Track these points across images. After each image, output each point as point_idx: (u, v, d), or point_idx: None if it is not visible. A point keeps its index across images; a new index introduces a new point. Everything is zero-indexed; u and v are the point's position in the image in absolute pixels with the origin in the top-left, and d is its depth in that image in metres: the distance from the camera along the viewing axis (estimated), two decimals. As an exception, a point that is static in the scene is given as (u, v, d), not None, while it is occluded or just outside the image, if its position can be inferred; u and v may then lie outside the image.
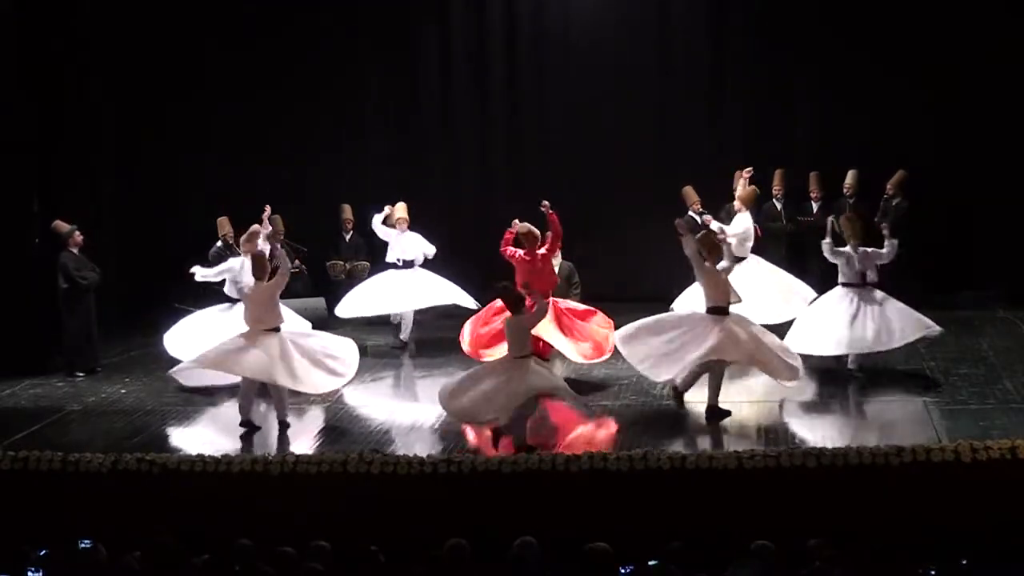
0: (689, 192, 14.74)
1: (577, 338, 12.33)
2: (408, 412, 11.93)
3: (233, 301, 12.72)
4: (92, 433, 11.31)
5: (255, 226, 12.90)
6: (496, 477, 9.42)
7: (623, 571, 7.62)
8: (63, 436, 11.15)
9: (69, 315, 13.41)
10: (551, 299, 12.18)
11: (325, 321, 14.80)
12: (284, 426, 11.23)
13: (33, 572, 8.06)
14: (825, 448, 9.46)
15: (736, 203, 13.92)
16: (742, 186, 14.05)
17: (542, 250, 12.57)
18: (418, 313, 14.55)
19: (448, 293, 14.10)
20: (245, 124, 16.48)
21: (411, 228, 14.39)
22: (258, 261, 11.52)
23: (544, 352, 12.36)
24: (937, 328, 11.97)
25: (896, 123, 15.51)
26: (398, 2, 16.81)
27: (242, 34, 16.54)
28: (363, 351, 14.11)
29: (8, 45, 13.95)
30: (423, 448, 10.40)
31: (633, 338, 11.35)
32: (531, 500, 9.28)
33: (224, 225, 13.82)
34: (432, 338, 14.26)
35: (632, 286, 15.59)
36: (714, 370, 11.02)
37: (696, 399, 11.50)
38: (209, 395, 12.26)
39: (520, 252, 12.52)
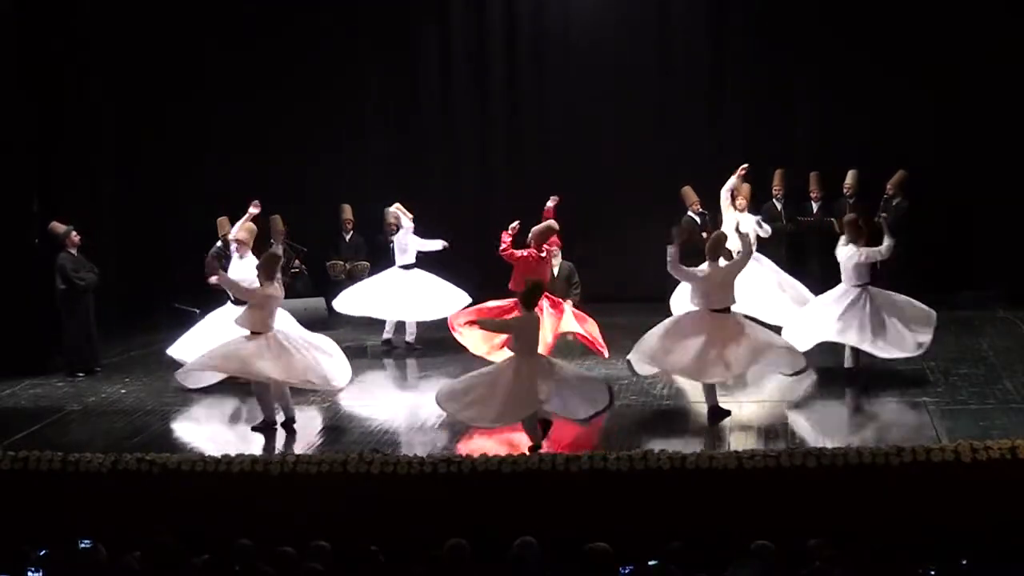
0: (688, 192, 14.76)
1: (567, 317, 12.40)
2: (408, 412, 11.93)
3: (236, 302, 12.72)
4: (92, 433, 11.30)
5: (248, 224, 12.87)
6: (496, 477, 9.41)
7: (623, 571, 7.62)
8: (63, 436, 11.14)
9: (67, 316, 13.41)
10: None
11: (325, 321, 14.82)
12: (291, 422, 11.21)
13: (33, 572, 8.06)
14: (825, 448, 9.45)
15: (741, 201, 13.88)
16: (737, 182, 14.02)
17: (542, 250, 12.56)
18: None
19: (444, 305, 13.98)
20: (245, 124, 16.49)
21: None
22: (269, 263, 11.43)
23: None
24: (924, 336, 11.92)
25: (896, 123, 15.52)
26: (398, 2, 16.82)
27: (242, 34, 16.55)
28: (363, 351, 14.22)
29: (8, 45, 13.95)
30: (423, 448, 10.40)
31: (649, 348, 11.24)
32: (531, 500, 9.28)
33: (224, 225, 13.80)
34: (432, 338, 14.25)
35: (632, 286, 15.60)
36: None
37: (697, 399, 11.51)
38: (209, 395, 12.24)
39: (526, 252, 12.45)
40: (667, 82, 16.54)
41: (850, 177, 15.19)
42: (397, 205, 14.37)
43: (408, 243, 14.23)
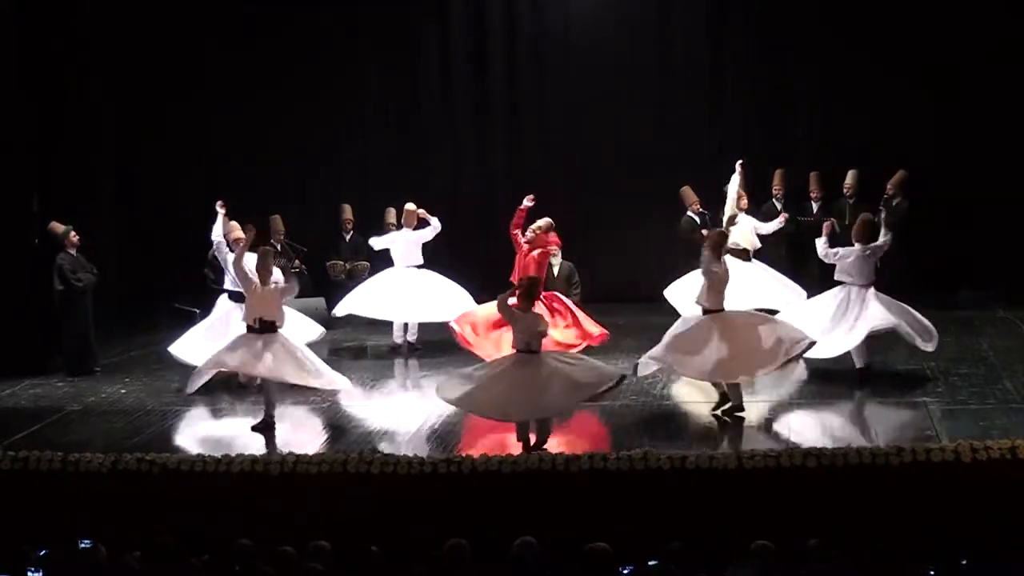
0: (688, 192, 14.76)
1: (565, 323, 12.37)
2: (408, 412, 11.92)
3: (236, 300, 12.73)
4: (92, 433, 11.29)
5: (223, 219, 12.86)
6: (496, 477, 9.41)
7: (623, 571, 7.62)
8: (63, 436, 11.13)
9: (65, 317, 13.42)
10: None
11: (325, 321, 14.80)
12: (271, 426, 11.23)
13: (33, 572, 8.06)
14: (825, 448, 9.45)
15: (743, 202, 13.87)
16: (740, 179, 14.01)
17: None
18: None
19: (447, 308, 13.98)
20: (245, 124, 16.50)
21: (417, 228, 14.31)
22: (261, 260, 11.46)
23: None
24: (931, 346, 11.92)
25: (896, 123, 15.53)
26: (398, 2, 16.82)
27: (242, 34, 16.56)
28: (363, 351, 14.21)
29: (8, 45, 13.95)
30: (423, 448, 10.40)
31: (671, 351, 11.25)
32: (531, 500, 9.28)
33: (224, 225, 13.78)
34: (432, 338, 14.25)
35: (632, 286, 15.60)
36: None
37: (697, 399, 11.52)
38: (209, 395, 12.25)
39: (525, 243, 12.45)
40: (667, 82, 16.55)
41: (850, 177, 15.20)
42: (390, 210, 14.36)
43: (410, 242, 14.22)
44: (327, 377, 11.38)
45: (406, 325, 14.31)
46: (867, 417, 11.35)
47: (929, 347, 11.87)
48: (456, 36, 16.90)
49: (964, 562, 7.63)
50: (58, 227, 13.43)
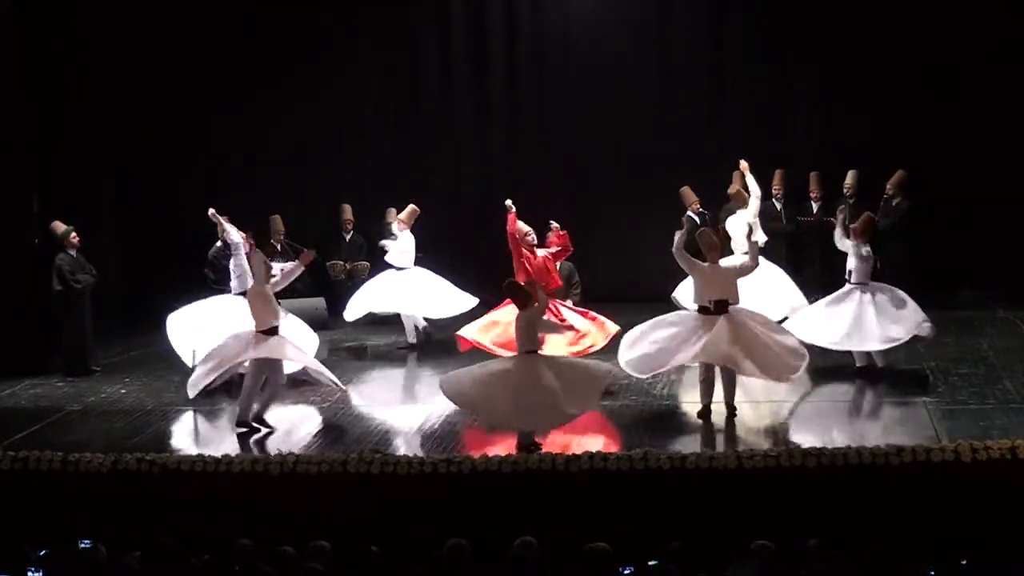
0: (687, 192, 14.76)
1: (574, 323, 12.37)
2: (408, 412, 11.93)
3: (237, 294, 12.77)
4: (92, 433, 11.30)
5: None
6: (496, 477, 9.41)
7: (623, 571, 7.62)
8: (63, 436, 11.14)
9: (64, 317, 13.43)
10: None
11: (325, 321, 14.82)
12: (260, 422, 11.22)
13: (33, 572, 8.06)
14: (825, 448, 9.45)
15: (759, 199, 13.85)
16: (740, 181, 14.00)
17: (542, 252, 12.53)
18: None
19: (449, 305, 14.02)
20: (245, 124, 16.49)
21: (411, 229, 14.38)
22: (256, 262, 11.51)
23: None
24: (927, 328, 11.95)
25: (896, 123, 15.51)
26: (398, 2, 16.81)
27: (242, 34, 16.55)
28: (363, 351, 14.21)
29: (8, 45, 13.95)
30: (423, 448, 10.40)
31: (635, 341, 11.33)
32: (531, 500, 9.28)
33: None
34: (436, 338, 14.25)
35: (632, 286, 15.59)
36: (726, 372, 11.02)
37: (697, 399, 11.51)
38: (209, 395, 12.24)
39: (524, 248, 12.45)
40: (667, 82, 16.54)
41: (850, 177, 15.18)
42: (391, 211, 14.38)
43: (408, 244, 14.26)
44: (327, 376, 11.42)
45: (417, 327, 14.31)
46: (867, 417, 11.37)
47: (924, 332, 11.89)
48: (456, 36, 16.90)
49: (964, 562, 7.63)
50: (60, 227, 13.43)
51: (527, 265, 12.27)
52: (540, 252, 12.47)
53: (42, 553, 8.33)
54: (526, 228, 12.49)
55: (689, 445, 10.13)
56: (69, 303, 13.38)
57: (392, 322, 14.63)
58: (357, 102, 16.92)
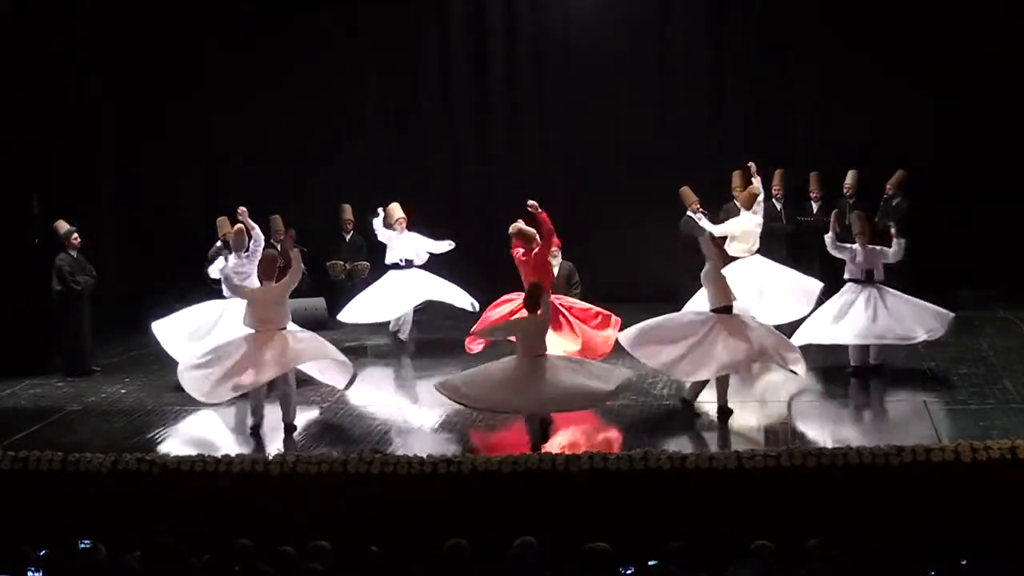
0: (687, 192, 14.72)
1: (568, 336, 12.34)
2: (408, 412, 11.93)
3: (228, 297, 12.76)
4: (92, 433, 11.31)
5: (239, 225, 12.85)
6: (496, 477, 9.41)
7: (623, 571, 7.62)
8: (63, 436, 11.14)
9: (63, 317, 13.43)
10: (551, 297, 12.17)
11: (325, 321, 14.82)
12: (291, 429, 11.20)
13: (33, 572, 8.06)
14: (825, 448, 9.46)
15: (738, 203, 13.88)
16: (741, 182, 13.99)
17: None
18: (418, 313, 14.54)
19: (446, 292, 14.08)
20: (245, 124, 16.49)
21: (411, 228, 14.39)
22: (267, 262, 11.49)
23: None
24: (941, 330, 11.98)
25: (896, 123, 15.51)
26: (398, 2, 16.82)
27: (242, 34, 16.55)
28: (363, 351, 14.20)
29: (8, 45, 13.96)
30: (423, 448, 10.40)
31: (644, 341, 11.31)
32: (531, 500, 9.28)
33: (224, 225, 13.77)
34: (432, 338, 14.26)
35: (632, 286, 15.59)
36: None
37: (697, 399, 11.51)
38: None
39: (519, 251, 12.50)
40: (667, 82, 16.54)
41: (850, 177, 15.18)
42: (394, 205, 14.38)
43: (407, 243, 14.24)
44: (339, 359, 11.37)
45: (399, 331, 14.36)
46: (867, 417, 11.37)
47: (936, 334, 11.91)
48: (456, 36, 16.90)
49: (964, 562, 7.63)
50: (63, 226, 13.43)
51: (538, 260, 12.33)
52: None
53: (42, 553, 8.33)
54: (532, 230, 12.54)
55: (689, 445, 10.13)
56: (69, 303, 13.38)
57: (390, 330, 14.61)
58: (357, 102, 16.92)
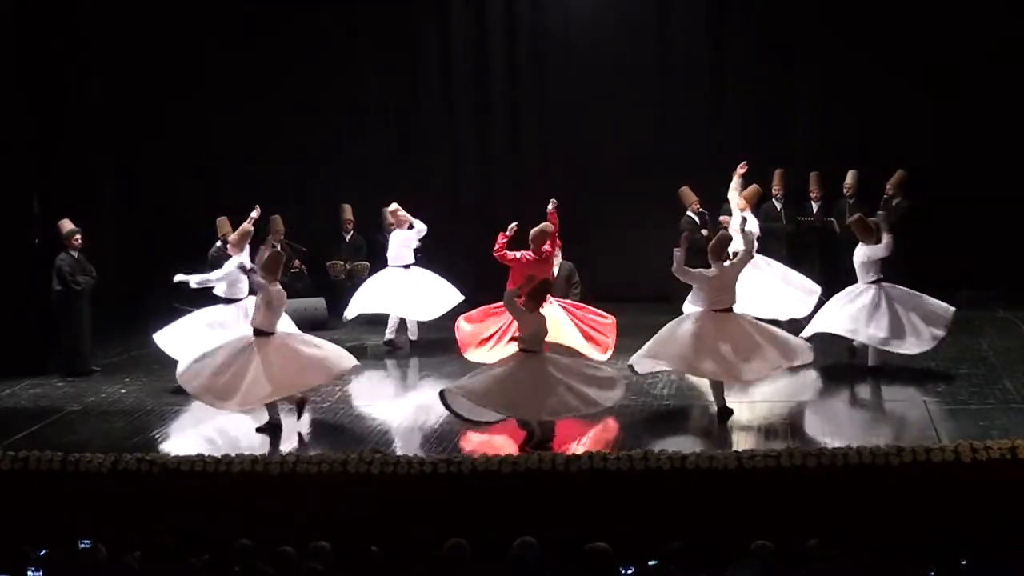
0: (687, 192, 14.75)
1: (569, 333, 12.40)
2: (408, 412, 11.93)
3: (227, 302, 12.74)
4: (92, 433, 11.31)
5: (245, 225, 12.86)
6: (496, 477, 9.41)
7: (623, 571, 7.62)
8: (63, 436, 11.14)
9: (63, 317, 13.43)
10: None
11: (325, 321, 14.82)
12: (278, 427, 11.21)
13: (33, 572, 8.06)
14: (825, 448, 9.46)
15: (740, 202, 13.86)
16: (739, 182, 14.01)
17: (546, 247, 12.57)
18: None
19: (440, 304, 14.03)
20: (245, 124, 16.49)
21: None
22: (272, 262, 11.48)
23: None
24: (942, 332, 12.00)
25: (896, 123, 15.51)
26: (398, 2, 16.81)
27: (242, 34, 16.55)
28: (363, 351, 14.20)
29: (8, 45, 13.96)
30: (423, 448, 10.40)
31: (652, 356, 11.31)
32: (531, 500, 9.28)
33: (224, 225, 13.79)
34: (432, 338, 14.25)
35: (632, 286, 15.62)
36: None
37: (696, 399, 11.52)
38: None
39: (520, 254, 12.50)
40: (667, 82, 16.54)
41: (850, 177, 15.19)
42: (395, 206, 14.38)
43: (404, 242, 14.25)
44: (334, 361, 11.35)
45: (403, 323, 14.34)
46: (867, 417, 11.36)
47: (938, 334, 11.92)
48: (456, 36, 16.89)
49: (964, 562, 7.63)
50: (67, 225, 13.43)
51: (547, 259, 12.34)
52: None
53: (42, 553, 8.33)
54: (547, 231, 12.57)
55: (689, 445, 10.12)
56: (69, 303, 13.38)
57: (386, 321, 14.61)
58: (357, 102, 16.91)
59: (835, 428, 10.82)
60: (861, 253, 12.11)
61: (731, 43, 16.45)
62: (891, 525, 8.65)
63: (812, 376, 12.06)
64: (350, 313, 14.25)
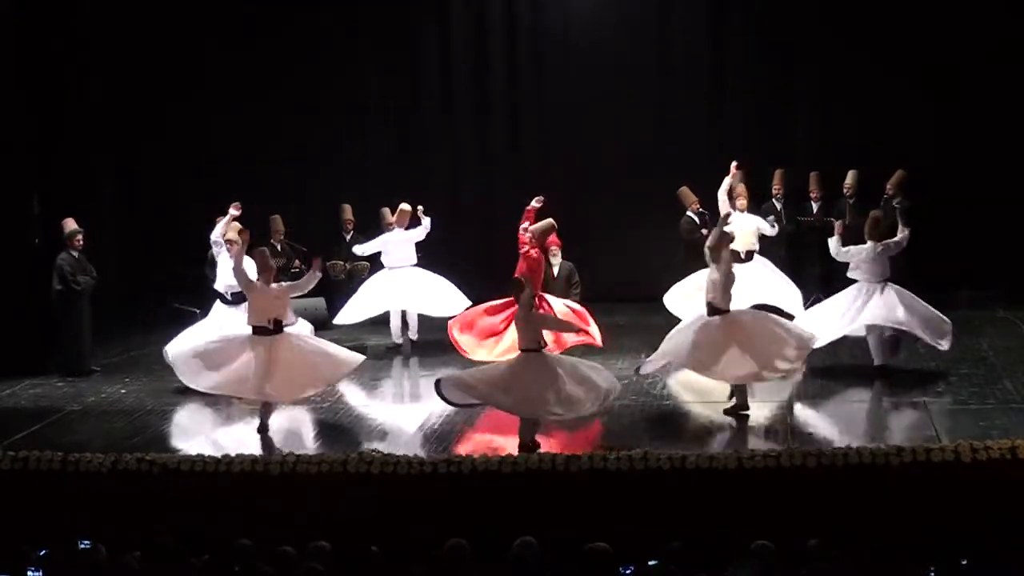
0: (686, 192, 14.75)
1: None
2: (408, 412, 11.92)
3: (229, 303, 12.75)
4: (92, 433, 11.30)
5: (230, 219, 12.80)
6: (496, 477, 9.42)
7: (623, 571, 7.62)
8: (63, 436, 11.13)
9: (63, 317, 13.42)
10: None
11: (325, 321, 14.81)
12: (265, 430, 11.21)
13: (33, 572, 8.06)
14: (825, 448, 9.46)
15: (741, 202, 13.84)
16: (735, 182, 14.01)
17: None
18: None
19: (442, 304, 14.03)
20: (245, 124, 16.48)
21: (409, 228, 14.37)
22: (260, 259, 11.49)
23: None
24: (945, 343, 12.00)
25: (896, 123, 15.51)
26: (398, 2, 16.81)
27: (242, 34, 16.54)
28: (363, 351, 14.16)
29: (8, 45, 13.95)
30: (423, 448, 10.40)
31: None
32: (531, 500, 9.28)
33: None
34: (432, 338, 14.25)
35: (632, 286, 15.61)
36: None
37: (697, 399, 11.52)
38: (209, 395, 12.22)
39: (534, 252, 12.49)
40: (667, 82, 16.53)
41: (850, 177, 15.19)
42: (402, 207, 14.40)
43: (402, 242, 14.25)
44: (339, 363, 11.34)
45: (404, 324, 14.35)
46: (867, 417, 11.36)
47: (943, 345, 11.93)
48: (456, 36, 16.89)
49: (964, 562, 7.63)
50: (70, 225, 13.42)
51: (528, 258, 12.33)
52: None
53: (42, 553, 8.33)
54: (543, 227, 12.54)
55: (689, 445, 10.12)
56: (69, 303, 13.37)
57: (388, 323, 14.61)
58: (357, 102, 16.91)
59: (835, 428, 10.82)
60: (873, 247, 12.06)
61: (731, 43, 16.45)
62: (891, 525, 8.65)
63: (813, 376, 12.05)
64: (345, 318, 14.20)
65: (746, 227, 13.64)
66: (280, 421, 11.31)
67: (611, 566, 7.40)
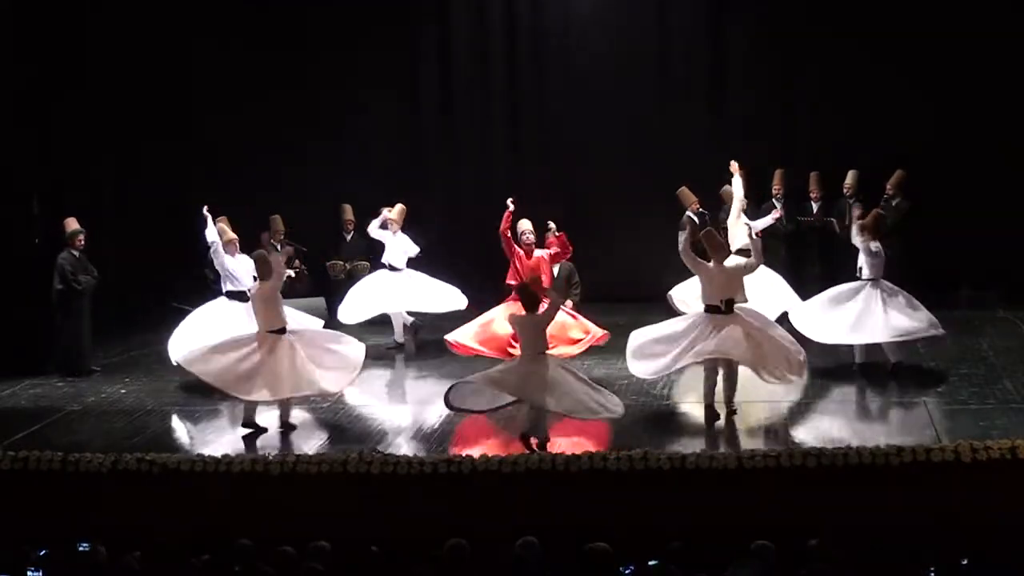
0: (686, 192, 14.74)
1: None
2: (408, 412, 11.93)
3: (230, 297, 12.76)
4: (92, 433, 11.31)
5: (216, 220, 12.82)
6: (496, 477, 9.42)
7: (623, 571, 7.62)
8: (63, 436, 11.14)
9: (63, 316, 13.42)
10: None
11: (325, 321, 14.80)
12: (289, 428, 11.19)
13: (33, 572, 8.06)
14: (825, 448, 9.46)
15: (741, 202, 13.84)
16: (739, 182, 14.02)
17: (539, 252, 12.53)
18: (417, 313, 14.52)
19: (440, 301, 14.06)
20: (245, 124, 16.47)
21: (408, 228, 14.39)
22: (259, 261, 11.50)
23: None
24: (941, 330, 12.02)
25: (896, 123, 15.50)
26: (398, 2, 16.80)
27: (242, 34, 16.53)
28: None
29: (8, 45, 13.95)
30: (423, 448, 10.40)
31: (643, 347, 11.32)
32: (531, 500, 9.28)
33: (223, 225, 13.78)
34: (432, 339, 14.25)
35: (631, 286, 15.59)
36: (727, 371, 11.02)
37: (697, 399, 11.51)
38: (209, 395, 12.23)
39: (522, 251, 12.49)
40: (667, 82, 16.53)
41: (850, 177, 15.18)
42: (399, 207, 14.40)
43: (399, 243, 14.28)
44: (319, 387, 11.34)
45: (405, 325, 14.36)
46: (867, 417, 11.36)
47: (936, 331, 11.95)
48: (456, 36, 16.89)
49: (964, 562, 7.63)
50: (72, 224, 13.43)
51: (518, 264, 12.31)
52: (538, 252, 12.49)
53: (42, 553, 8.33)
54: (526, 227, 12.52)
55: (689, 445, 10.12)
56: (69, 303, 13.38)
57: (390, 322, 14.61)
58: (357, 102, 16.90)
59: (835, 428, 10.81)
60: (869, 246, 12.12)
61: (731, 43, 16.44)
62: (891, 525, 8.65)
63: (812, 376, 12.04)
64: (346, 317, 14.22)
65: (741, 230, 13.64)
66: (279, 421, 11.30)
67: (611, 566, 7.40)
